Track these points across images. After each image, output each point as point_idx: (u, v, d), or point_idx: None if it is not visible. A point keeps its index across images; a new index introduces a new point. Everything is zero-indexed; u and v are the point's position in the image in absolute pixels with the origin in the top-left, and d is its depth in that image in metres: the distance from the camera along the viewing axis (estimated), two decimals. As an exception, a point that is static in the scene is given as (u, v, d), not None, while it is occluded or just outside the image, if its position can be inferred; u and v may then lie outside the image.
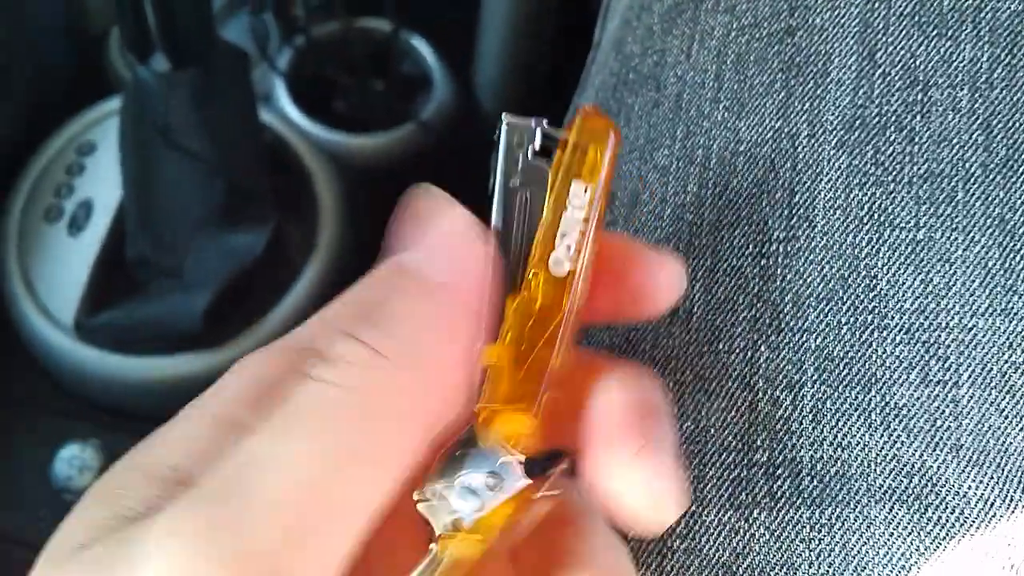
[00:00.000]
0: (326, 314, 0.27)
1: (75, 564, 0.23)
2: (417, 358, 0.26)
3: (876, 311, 0.34)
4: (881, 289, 0.35)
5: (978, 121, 0.36)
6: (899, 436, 0.33)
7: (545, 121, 0.28)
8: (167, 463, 0.25)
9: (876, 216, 0.36)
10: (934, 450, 0.33)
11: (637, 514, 0.27)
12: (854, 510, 0.33)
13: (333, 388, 0.24)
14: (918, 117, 0.36)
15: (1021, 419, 0.33)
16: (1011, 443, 0.33)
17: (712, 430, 0.35)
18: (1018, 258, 0.34)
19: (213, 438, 0.25)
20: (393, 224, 0.28)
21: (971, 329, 0.34)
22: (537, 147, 0.28)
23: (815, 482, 0.33)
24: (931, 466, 0.33)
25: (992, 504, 0.32)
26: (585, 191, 0.28)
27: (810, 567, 0.33)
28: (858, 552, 0.33)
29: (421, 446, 0.25)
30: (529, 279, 0.28)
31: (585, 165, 0.28)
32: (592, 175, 0.28)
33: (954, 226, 0.35)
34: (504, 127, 0.28)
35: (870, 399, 0.34)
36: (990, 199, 0.35)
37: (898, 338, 0.34)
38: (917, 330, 0.34)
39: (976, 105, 0.36)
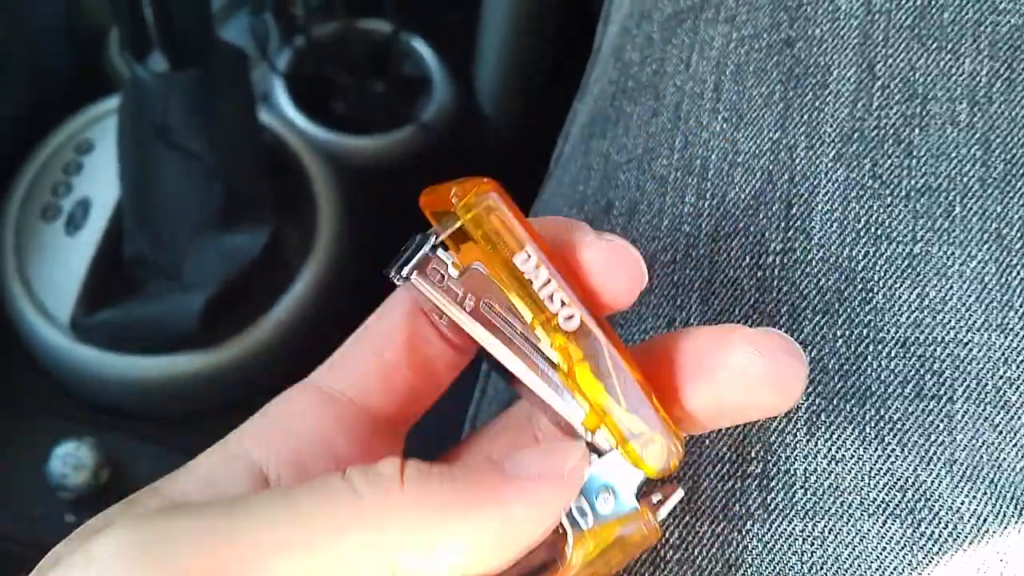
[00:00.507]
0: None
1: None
2: (440, 525, 0.26)
3: (872, 324, 0.35)
4: (877, 302, 0.35)
5: (976, 135, 0.36)
6: (893, 450, 0.33)
7: (430, 239, 0.28)
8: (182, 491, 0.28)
9: (873, 229, 0.36)
10: (928, 464, 0.33)
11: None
12: (847, 523, 0.33)
13: (344, 486, 0.26)
14: (916, 130, 0.37)
15: (1015, 435, 0.33)
16: (1005, 459, 0.33)
17: (706, 441, 0.35)
18: (1014, 273, 0.34)
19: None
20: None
21: (966, 344, 0.34)
22: (451, 263, 0.28)
23: (808, 495, 0.33)
24: (924, 480, 0.33)
25: (985, 520, 0.32)
26: (527, 257, 0.27)
27: (803, 579, 0.33)
28: (850, 565, 0.33)
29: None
30: (557, 352, 0.28)
31: (505, 236, 0.27)
32: (518, 238, 0.27)
33: (951, 240, 0.35)
34: (415, 280, 0.28)
35: (864, 412, 0.34)
36: (987, 214, 0.35)
37: (893, 352, 0.34)
38: (912, 344, 0.34)
39: (975, 119, 0.36)
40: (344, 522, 0.25)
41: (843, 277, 0.35)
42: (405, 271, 0.27)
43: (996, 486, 0.32)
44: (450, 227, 0.27)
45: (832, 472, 0.33)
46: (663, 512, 0.30)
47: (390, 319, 0.31)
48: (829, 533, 0.33)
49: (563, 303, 0.28)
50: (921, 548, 0.32)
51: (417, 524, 0.25)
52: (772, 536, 0.33)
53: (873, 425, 0.34)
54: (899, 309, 0.34)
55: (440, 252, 0.28)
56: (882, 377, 0.34)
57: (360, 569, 0.25)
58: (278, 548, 0.24)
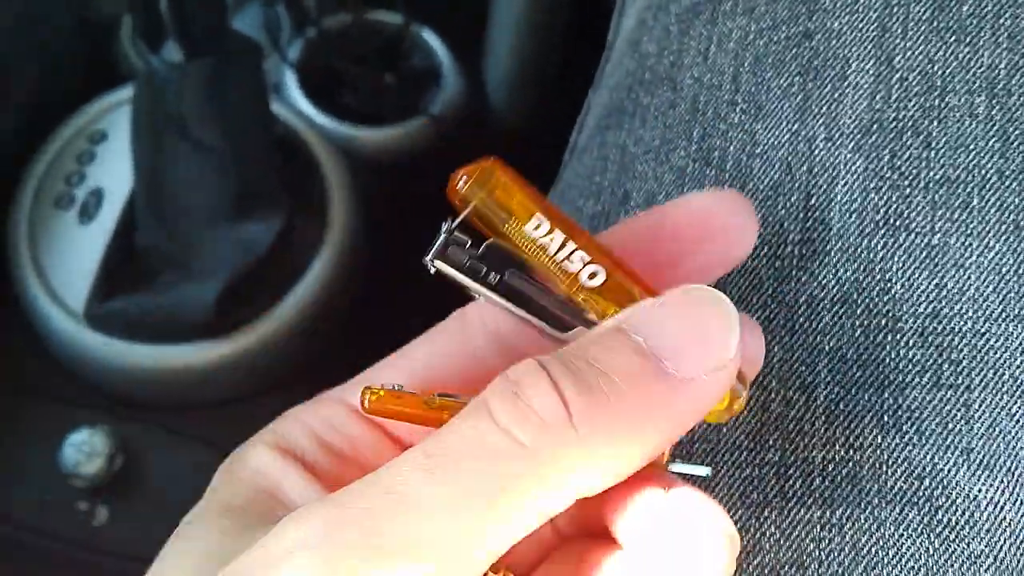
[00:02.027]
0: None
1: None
2: (604, 445, 0.24)
3: (890, 314, 0.35)
4: (895, 292, 0.35)
5: (995, 127, 0.36)
6: (911, 438, 0.34)
7: (446, 227, 0.28)
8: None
9: (891, 220, 0.36)
10: (945, 453, 0.33)
11: None
12: (865, 511, 0.33)
13: (504, 440, 0.24)
14: (935, 122, 0.37)
15: (1032, 424, 0.33)
16: (1022, 447, 0.33)
17: (724, 429, 0.35)
18: (1032, 264, 0.35)
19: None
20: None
21: (984, 334, 0.34)
22: (469, 245, 0.29)
23: (826, 482, 0.34)
24: (942, 469, 0.33)
25: (1002, 508, 0.32)
26: (537, 224, 0.28)
27: (819, 566, 0.33)
28: (868, 552, 0.33)
29: (565, 507, 0.25)
30: (589, 308, 0.29)
31: (513, 208, 0.28)
32: (526, 209, 0.28)
33: (969, 231, 0.35)
34: (438, 264, 0.28)
35: (883, 401, 0.34)
36: (1005, 205, 0.35)
37: (911, 341, 0.34)
38: (930, 334, 0.34)
39: (993, 111, 0.36)
40: (521, 484, 0.23)
41: (862, 267, 0.35)
42: (427, 259, 0.28)
43: (1013, 474, 0.33)
44: (462, 211, 0.28)
45: (850, 460, 0.34)
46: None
47: None
48: (847, 520, 0.33)
49: (584, 261, 0.28)
50: (938, 535, 0.33)
51: (596, 463, 0.24)
52: (789, 523, 0.34)
53: (891, 414, 0.34)
54: (917, 299, 0.35)
55: (458, 235, 0.28)
56: (900, 366, 0.34)
57: (535, 520, 0.24)
58: (449, 532, 0.23)
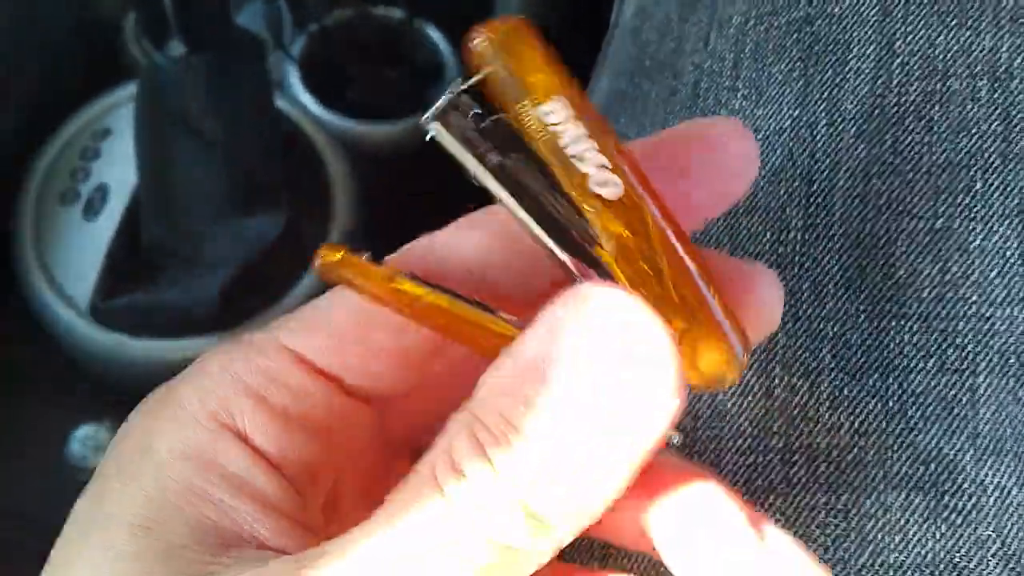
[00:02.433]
0: (489, 394, 0.23)
1: None
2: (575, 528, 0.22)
3: (894, 299, 0.35)
4: (899, 278, 0.35)
5: (997, 111, 0.36)
6: (916, 423, 0.33)
7: (453, 87, 0.24)
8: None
9: (894, 205, 0.36)
10: (951, 438, 0.33)
11: None
12: (870, 496, 0.33)
13: (446, 510, 0.22)
14: (937, 107, 0.37)
15: (1038, 407, 0.33)
16: (1028, 431, 0.33)
17: (728, 416, 0.35)
18: (1036, 248, 0.35)
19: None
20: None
21: (988, 318, 0.34)
22: (473, 114, 0.24)
23: (831, 468, 0.34)
24: (948, 454, 0.33)
25: (1009, 492, 0.32)
26: (554, 108, 0.24)
27: (825, 552, 0.33)
28: (874, 538, 0.33)
29: None
30: (592, 222, 0.24)
31: (532, 83, 0.24)
32: (547, 87, 0.24)
33: (972, 216, 0.35)
34: (433, 127, 0.24)
35: (887, 386, 0.34)
36: (1008, 189, 0.35)
37: (915, 326, 0.34)
38: (935, 319, 0.34)
39: (995, 95, 0.36)
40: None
41: (865, 253, 0.35)
42: (424, 119, 0.24)
43: (1020, 459, 0.33)
44: (476, 74, 0.24)
45: (855, 445, 0.34)
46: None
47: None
48: (852, 506, 0.33)
49: (598, 165, 0.23)
50: (945, 520, 0.33)
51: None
52: (795, 509, 0.34)
53: (896, 399, 0.34)
54: (921, 284, 0.35)
55: (464, 99, 0.24)
56: (904, 351, 0.34)
57: None
58: None
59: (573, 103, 0.24)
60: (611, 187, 0.23)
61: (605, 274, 0.24)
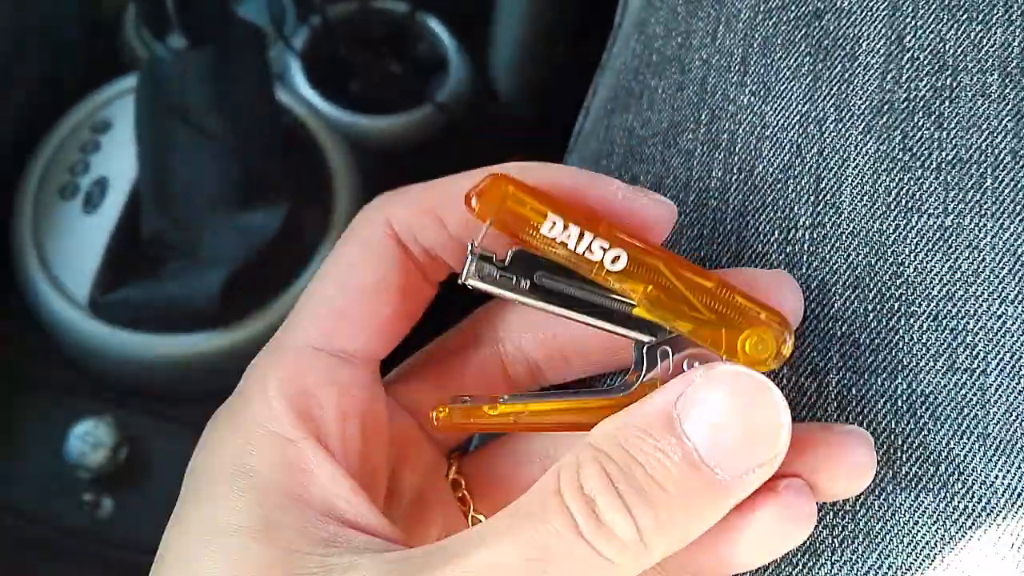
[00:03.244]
0: (610, 440, 0.28)
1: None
2: (667, 551, 0.27)
3: (903, 298, 0.34)
4: (908, 276, 0.34)
5: (1008, 107, 0.36)
6: (925, 423, 0.33)
7: (470, 248, 0.31)
8: None
9: (904, 202, 0.35)
10: (961, 438, 0.33)
11: None
12: (879, 497, 0.33)
13: (597, 559, 0.27)
14: (947, 102, 0.36)
15: (1050, 408, 0.33)
16: (1039, 432, 0.32)
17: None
18: (1048, 246, 0.34)
19: None
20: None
21: (1000, 316, 0.33)
22: (494, 259, 0.31)
23: None
24: (958, 454, 0.33)
25: (1020, 493, 0.32)
26: (552, 224, 0.29)
27: (833, 553, 0.33)
28: (882, 539, 0.32)
29: None
30: (621, 291, 0.30)
31: (526, 215, 0.29)
32: (538, 212, 0.29)
33: (983, 212, 0.34)
34: (472, 284, 0.31)
35: (896, 386, 0.33)
36: (1020, 185, 0.35)
37: (925, 325, 0.34)
38: (945, 317, 0.34)
39: (1007, 91, 0.36)
40: None
41: (873, 250, 0.35)
42: (462, 281, 0.31)
43: (1030, 460, 0.32)
44: (481, 232, 0.30)
45: (863, 446, 0.33)
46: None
47: (375, 268, 0.32)
48: (860, 507, 0.33)
49: (603, 249, 0.29)
50: (954, 522, 0.32)
51: (656, 558, 0.27)
52: (802, 510, 0.33)
53: (905, 399, 0.33)
54: (931, 282, 0.34)
55: (483, 252, 0.30)
56: (914, 350, 0.34)
57: None
58: None
59: (562, 212, 0.29)
60: (620, 261, 0.29)
61: (648, 328, 0.31)
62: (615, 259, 0.29)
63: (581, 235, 0.29)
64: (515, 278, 0.31)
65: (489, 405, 0.32)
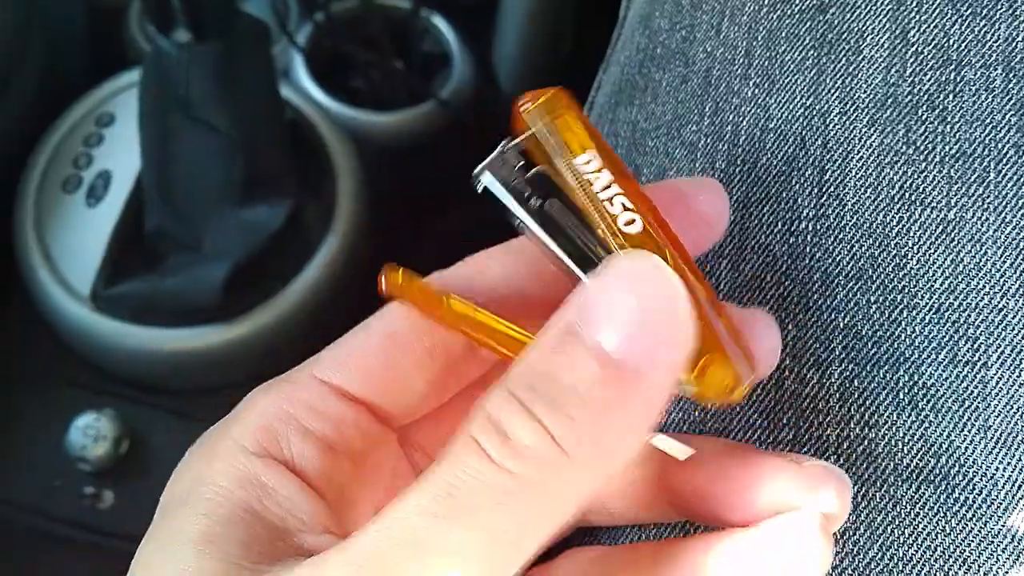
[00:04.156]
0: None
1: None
2: (595, 458, 0.25)
3: (905, 290, 0.34)
4: (911, 268, 0.34)
5: (1011, 101, 0.36)
6: (927, 416, 0.33)
7: (503, 145, 0.29)
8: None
9: (907, 195, 0.35)
10: (962, 430, 0.33)
11: None
12: (880, 489, 0.33)
13: (511, 479, 0.25)
14: (951, 96, 0.36)
15: (1051, 401, 0.33)
16: (1040, 425, 0.32)
17: (737, 407, 0.35)
18: (1050, 239, 0.34)
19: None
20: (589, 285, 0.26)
21: (1001, 310, 0.33)
22: (519, 167, 0.29)
23: (841, 460, 0.33)
24: (959, 446, 0.33)
25: (1021, 486, 0.32)
26: (588, 160, 0.28)
27: (834, 544, 0.33)
28: (883, 531, 0.33)
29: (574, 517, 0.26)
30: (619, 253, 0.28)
31: (568, 139, 0.28)
32: (581, 143, 0.28)
33: (986, 206, 0.35)
34: (485, 178, 0.29)
35: (898, 378, 0.34)
36: (1022, 180, 0.35)
37: (927, 318, 0.34)
38: (947, 310, 0.34)
39: (1010, 85, 0.36)
40: (534, 514, 0.25)
41: (877, 243, 0.35)
42: (477, 171, 0.29)
43: (1032, 452, 0.32)
44: (522, 135, 0.29)
45: (865, 438, 0.33)
46: None
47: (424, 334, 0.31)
48: (862, 499, 0.33)
49: (624, 207, 0.28)
50: (955, 514, 0.32)
51: (590, 471, 0.25)
52: (804, 502, 0.33)
53: (907, 391, 0.33)
54: (933, 275, 0.34)
55: (512, 153, 0.29)
56: (916, 343, 0.34)
57: (549, 537, 0.25)
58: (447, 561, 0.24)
59: (603, 155, 0.28)
60: (635, 224, 0.28)
61: None
62: (630, 222, 0.28)
63: (609, 184, 0.28)
64: (528, 193, 0.29)
65: (442, 295, 0.30)
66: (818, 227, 0.36)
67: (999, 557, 0.32)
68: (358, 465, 0.31)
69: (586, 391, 0.25)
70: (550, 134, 0.28)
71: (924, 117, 0.36)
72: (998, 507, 0.32)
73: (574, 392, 0.25)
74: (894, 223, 0.35)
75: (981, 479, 0.32)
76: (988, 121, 0.36)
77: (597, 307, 0.25)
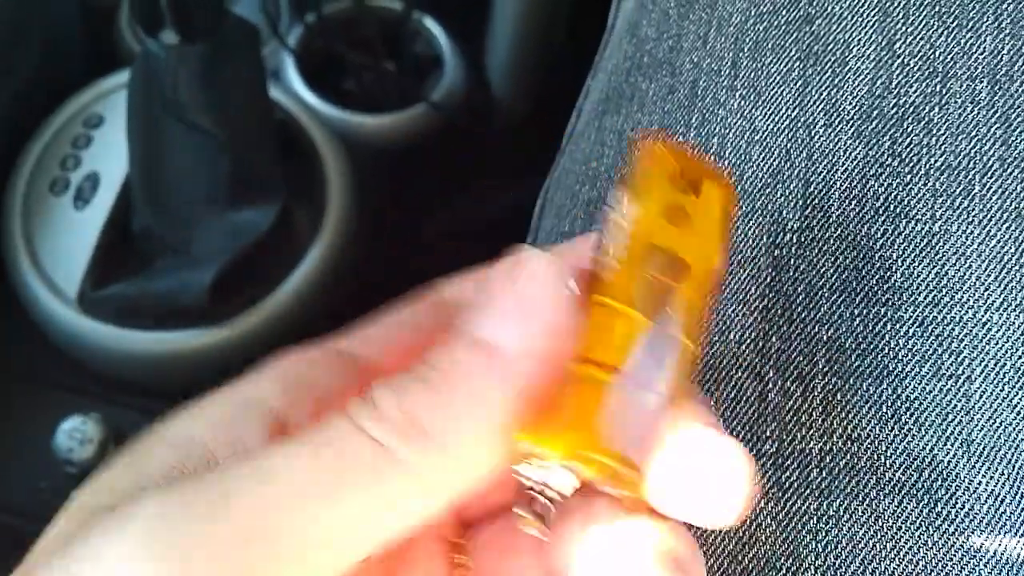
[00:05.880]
0: None
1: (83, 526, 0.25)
2: (455, 445, 0.24)
3: (889, 303, 0.34)
4: (895, 281, 0.34)
5: (997, 114, 0.36)
6: (910, 429, 0.33)
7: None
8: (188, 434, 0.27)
9: (892, 207, 0.35)
10: (945, 444, 0.33)
11: None
12: (862, 502, 0.33)
13: (368, 442, 0.24)
14: (936, 109, 0.36)
15: (1034, 416, 0.33)
16: (1023, 439, 0.32)
17: (721, 420, 0.35)
18: (1034, 253, 0.34)
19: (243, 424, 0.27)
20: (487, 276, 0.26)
21: (985, 324, 0.33)
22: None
23: (824, 473, 0.33)
24: (941, 460, 0.33)
25: (1003, 500, 0.32)
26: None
27: (816, 559, 0.33)
28: (866, 545, 0.32)
29: (433, 511, 0.25)
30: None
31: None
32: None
33: (970, 219, 0.35)
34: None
35: (881, 391, 0.34)
36: (1007, 193, 0.35)
37: (911, 331, 0.34)
38: (930, 323, 0.34)
39: (995, 98, 0.36)
40: (379, 476, 0.24)
41: (861, 255, 0.35)
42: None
43: (1014, 467, 0.32)
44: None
45: (848, 451, 0.33)
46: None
47: None
48: (844, 512, 0.33)
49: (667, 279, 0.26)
50: (938, 528, 0.32)
51: (454, 460, 0.25)
52: (786, 515, 0.33)
53: (890, 404, 0.33)
54: (917, 288, 0.34)
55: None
56: (899, 356, 0.34)
57: (404, 513, 0.25)
58: (306, 507, 0.23)
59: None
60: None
61: None
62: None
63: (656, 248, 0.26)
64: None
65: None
66: (803, 239, 0.36)
67: (981, 572, 0.32)
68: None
69: (451, 368, 0.25)
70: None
71: (910, 129, 0.36)
72: (980, 521, 0.32)
73: (437, 370, 0.25)
74: (879, 235, 0.35)
75: (964, 493, 0.32)
76: (973, 134, 0.36)
77: (482, 305, 0.26)
